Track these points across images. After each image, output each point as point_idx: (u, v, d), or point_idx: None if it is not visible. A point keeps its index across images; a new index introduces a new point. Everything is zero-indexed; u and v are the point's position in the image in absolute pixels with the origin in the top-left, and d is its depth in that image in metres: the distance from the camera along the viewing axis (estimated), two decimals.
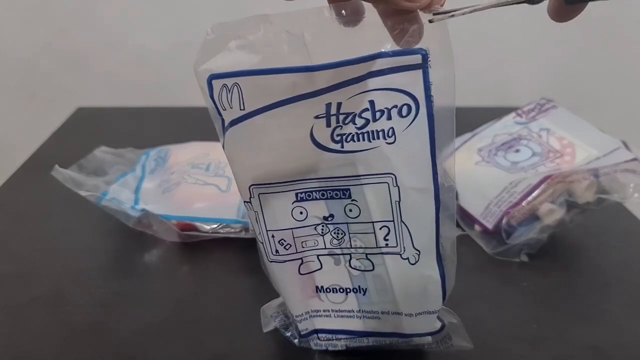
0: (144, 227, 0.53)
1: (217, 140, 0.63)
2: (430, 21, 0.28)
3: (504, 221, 0.51)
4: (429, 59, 0.30)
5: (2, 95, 1.01)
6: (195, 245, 0.52)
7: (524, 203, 0.51)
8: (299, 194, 0.34)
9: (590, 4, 0.25)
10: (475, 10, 0.27)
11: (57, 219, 0.58)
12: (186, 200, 0.54)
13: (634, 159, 0.52)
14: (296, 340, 0.40)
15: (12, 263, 0.51)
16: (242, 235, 0.53)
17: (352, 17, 0.30)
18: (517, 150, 0.57)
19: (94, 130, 0.81)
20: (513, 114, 0.62)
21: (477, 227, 0.53)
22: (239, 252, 0.52)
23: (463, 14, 0.27)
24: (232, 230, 0.53)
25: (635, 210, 0.59)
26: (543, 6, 0.26)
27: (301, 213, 0.35)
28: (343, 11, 0.29)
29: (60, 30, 0.96)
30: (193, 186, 0.55)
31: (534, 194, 0.51)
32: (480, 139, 0.60)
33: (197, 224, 0.52)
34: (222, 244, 0.52)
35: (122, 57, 0.98)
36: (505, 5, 0.27)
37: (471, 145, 0.60)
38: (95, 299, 0.46)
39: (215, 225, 0.53)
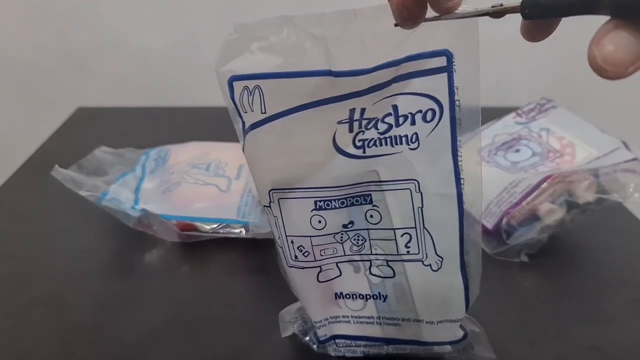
0: (144, 227, 0.53)
1: (217, 140, 0.63)
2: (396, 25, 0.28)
3: (504, 221, 0.51)
4: (453, 62, 0.29)
5: (1, 95, 1.01)
6: (195, 245, 0.52)
7: (524, 203, 0.51)
8: (318, 202, 0.34)
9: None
10: (441, 19, 0.27)
11: (57, 219, 0.58)
12: (186, 200, 0.54)
13: (634, 159, 0.52)
14: (315, 346, 0.40)
15: (12, 263, 0.51)
16: (242, 235, 0.53)
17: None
18: (517, 150, 0.57)
19: (94, 130, 0.81)
20: (513, 114, 0.62)
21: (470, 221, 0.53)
22: (239, 252, 0.52)
23: (429, 21, 0.27)
24: (232, 230, 0.53)
25: (635, 210, 0.59)
26: None
27: (319, 222, 0.34)
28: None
29: (60, 30, 0.96)
30: (193, 186, 0.55)
31: (534, 194, 0.51)
32: (480, 138, 0.60)
33: (197, 224, 0.52)
34: (222, 244, 0.52)
35: (122, 57, 0.98)
36: (468, 17, 0.27)
37: (471, 145, 0.60)
38: (95, 299, 0.46)
39: (215, 225, 0.53)
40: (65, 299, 0.46)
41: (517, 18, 0.26)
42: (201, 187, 0.55)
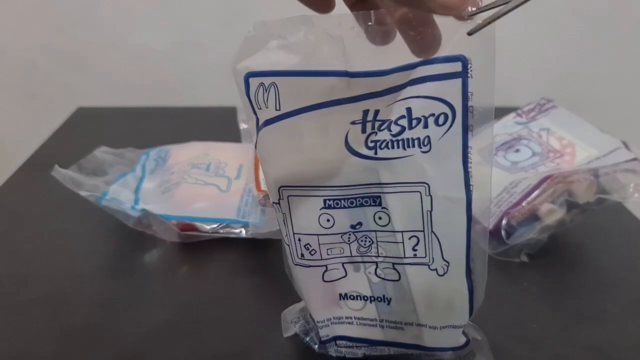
0: (144, 227, 0.53)
1: (217, 140, 0.63)
2: (469, 34, 0.28)
3: (504, 221, 0.51)
4: (469, 68, 0.29)
5: (2, 95, 1.01)
6: (195, 245, 0.52)
7: (524, 203, 0.51)
8: (327, 201, 0.34)
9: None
10: (506, 12, 0.27)
11: (57, 219, 0.58)
12: (186, 200, 0.54)
13: (634, 159, 0.52)
14: (316, 346, 0.40)
15: (12, 263, 0.51)
16: (242, 235, 0.53)
17: (378, 29, 0.29)
18: (517, 150, 0.57)
19: (94, 130, 0.81)
20: (513, 114, 0.62)
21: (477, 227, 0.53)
22: (239, 252, 0.52)
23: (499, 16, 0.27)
24: (232, 230, 0.53)
25: (635, 210, 0.59)
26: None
27: (328, 221, 0.34)
28: (368, 22, 0.29)
29: (60, 30, 0.96)
30: (193, 186, 0.55)
31: (534, 194, 0.51)
32: (480, 139, 0.60)
33: (197, 224, 0.52)
34: (222, 244, 0.52)
35: (122, 57, 0.98)
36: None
37: (479, 147, 0.60)
38: (94, 299, 0.46)
39: (215, 225, 0.53)
40: (64, 299, 0.46)
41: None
42: (201, 187, 0.55)
